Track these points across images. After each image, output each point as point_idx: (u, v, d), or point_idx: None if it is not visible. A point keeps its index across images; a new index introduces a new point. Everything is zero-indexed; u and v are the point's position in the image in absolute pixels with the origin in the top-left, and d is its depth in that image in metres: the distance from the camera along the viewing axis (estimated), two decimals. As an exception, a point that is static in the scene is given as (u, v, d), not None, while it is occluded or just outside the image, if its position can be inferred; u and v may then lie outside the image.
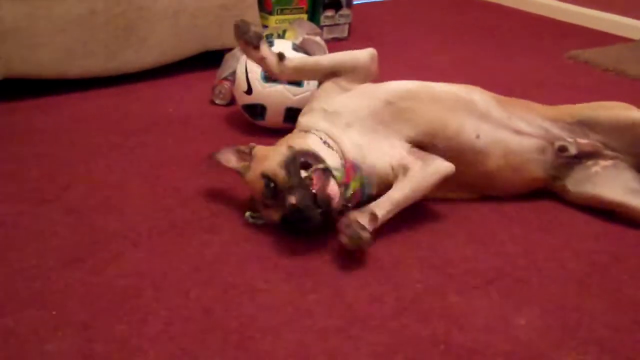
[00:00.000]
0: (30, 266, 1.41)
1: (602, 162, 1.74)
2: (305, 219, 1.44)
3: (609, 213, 1.70)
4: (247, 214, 1.60)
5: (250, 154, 1.64)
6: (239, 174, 1.63)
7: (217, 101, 2.28)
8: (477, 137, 1.68)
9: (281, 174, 1.50)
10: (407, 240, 1.56)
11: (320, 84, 1.77)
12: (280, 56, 1.69)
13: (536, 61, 2.95)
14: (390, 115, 1.65)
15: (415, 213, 1.67)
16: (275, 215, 1.51)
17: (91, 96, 2.30)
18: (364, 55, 1.75)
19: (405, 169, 1.59)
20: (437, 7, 3.91)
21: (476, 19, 3.68)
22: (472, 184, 1.73)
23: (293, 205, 1.42)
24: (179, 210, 1.63)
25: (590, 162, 1.74)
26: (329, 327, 1.27)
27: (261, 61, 1.71)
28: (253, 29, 1.67)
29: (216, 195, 1.69)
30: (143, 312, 1.28)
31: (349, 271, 1.44)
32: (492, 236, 1.60)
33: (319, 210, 1.44)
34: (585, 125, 1.77)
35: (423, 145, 1.64)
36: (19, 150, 1.90)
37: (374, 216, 1.49)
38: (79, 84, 2.31)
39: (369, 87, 1.73)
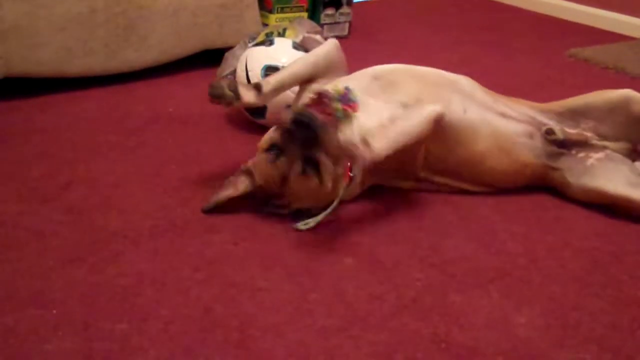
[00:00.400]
0: (30, 265, 1.41)
1: (594, 155, 1.75)
2: (311, 126, 1.46)
3: (608, 208, 1.70)
4: (299, 225, 1.56)
5: (247, 171, 1.63)
6: (253, 192, 1.61)
7: (218, 100, 2.28)
8: (465, 111, 1.70)
9: (277, 134, 1.54)
10: (407, 239, 1.56)
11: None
12: (257, 87, 1.68)
13: (537, 59, 2.95)
14: (379, 89, 1.68)
15: (416, 212, 1.68)
16: (297, 168, 1.50)
17: (91, 95, 2.30)
18: (330, 47, 1.76)
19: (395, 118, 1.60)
20: (438, 6, 3.90)
21: (477, 17, 3.68)
22: (464, 168, 1.73)
23: (294, 117, 1.47)
24: (179, 210, 1.63)
25: (581, 154, 1.75)
26: (330, 326, 1.27)
27: (247, 104, 1.70)
28: (224, 85, 1.64)
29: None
30: (143, 312, 1.28)
31: (349, 270, 1.44)
32: (493, 235, 1.60)
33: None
34: (577, 113, 1.80)
35: None
36: (19, 150, 1.90)
37: (365, 140, 1.43)
38: (79, 83, 2.31)
39: (353, 73, 1.75)
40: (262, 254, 1.48)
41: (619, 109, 1.77)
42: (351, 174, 1.62)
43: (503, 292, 1.39)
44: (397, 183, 1.75)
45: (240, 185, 1.62)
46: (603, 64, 2.85)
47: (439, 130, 1.65)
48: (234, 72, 2.17)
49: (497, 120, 1.74)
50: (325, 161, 1.51)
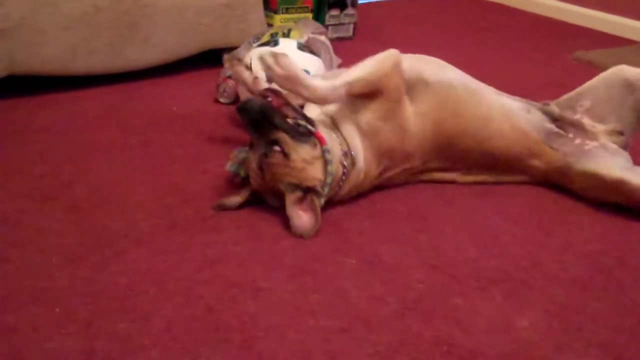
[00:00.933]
0: (32, 263, 1.41)
1: (590, 142, 1.78)
2: (252, 109, 1.54)
3: (605, 203, 1.72)
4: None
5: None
6: (253, 197, 1.65)
7: (221, 99, 2.28)
8: (463, 77, 1.81)
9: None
10: (409, 241, 1.56)
11: None
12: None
13: (541, 61, 2.95)
14: None
15: (418, 214, 1.67)
16: (261, 151, 1.56)
17: (95, 94, 2.30)
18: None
19: None
20: (443, 8, 3.90)
21: (482, 19, 3.68)
22: (470, 133, 1.75)
23: (238, 109, 1.56)
24: (181, 209, 1.63)
25: (578, 140, 1.79)
26: (332, 327, 1.27)
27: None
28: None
29: (219, 194, 1.69)
30: (145, 311, 1.28)
31: (352, 271, 1.43)
32: (495, 238, 1.59)
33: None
34: (573, 100, 1.90)
35: (412, 81, 1.73)
36: (22, 148, 1.90)
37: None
38: (83, 82, 2.31)
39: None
40: (264, 254, 1.48)
41: (614, 80, 1.86)
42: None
43: (505, 295, 1.39)
44: (407, 177, 1.78)
45: (242, 195, 1.65)
46: (607, 68, 2.83)
47: (437, 89, 1.73)
48: (237, 72, 2.17)
49: (494, 94, 1.83)
50: (282, 136, 1.55)
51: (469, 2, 4.07)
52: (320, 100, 1.65)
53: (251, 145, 1.60)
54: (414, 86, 1.72)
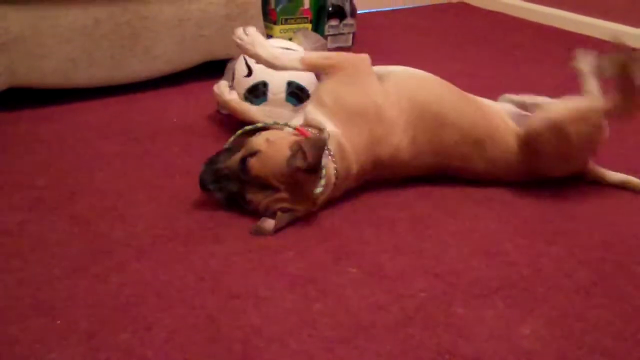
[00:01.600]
0: (34, 274, 1.41)
1: None
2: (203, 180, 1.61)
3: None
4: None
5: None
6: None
7: (222, 110, 2.28)
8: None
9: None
10: (411, 249, 1.56)
11: None
12: None
13: (540, 70, 2.95)
14: None
15: (420, 222, 1.67)
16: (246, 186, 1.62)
17: (96, 105, 2.31)
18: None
19: None
20: (443, 17, 3.91)
21: (482, 29, 3.68)
22: (445, 100, 1.82)
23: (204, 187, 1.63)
24: (183, 219, 1.63)
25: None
26: (334, 336, 1.27)
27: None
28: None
29: (220, 205, 1.69)
30: (147, 321, 1.28)
31: (353, 280, 1.44)
32: (497, 246, 1.60)
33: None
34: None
35: (379, 74, 1.84)
36: (23, 159, 1.91)
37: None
38: (84, 94, 2.32)
39: None
40: (266, 263, 1.48)
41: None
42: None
43: (507, 303, 1.39)
44: (399, 165, 1.80)
45: (278, 220, 1.61)
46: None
47: (404, 76, 1.85)
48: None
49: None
50: (240, 154, 1.61)
51: (470, 12, 4.08)
52: (274, 60, 1.80)
53: (239, 199, 1.64)
54: (380, 76, 1.82)
